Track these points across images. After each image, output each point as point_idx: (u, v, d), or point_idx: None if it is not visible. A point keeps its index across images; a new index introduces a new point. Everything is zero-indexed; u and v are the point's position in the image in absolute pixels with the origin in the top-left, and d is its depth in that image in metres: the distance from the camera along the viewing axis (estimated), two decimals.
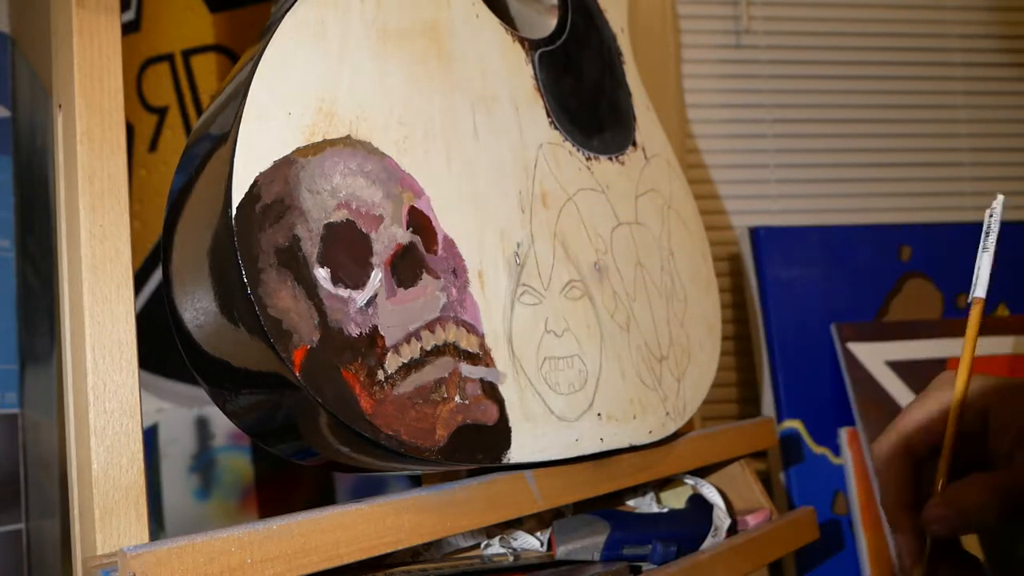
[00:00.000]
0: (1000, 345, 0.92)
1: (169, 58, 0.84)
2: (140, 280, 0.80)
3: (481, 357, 0.44)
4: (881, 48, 1.10)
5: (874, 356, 0.89)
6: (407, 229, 0.42)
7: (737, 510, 0.65)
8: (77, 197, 0.39)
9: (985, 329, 0.91)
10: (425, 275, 0.42)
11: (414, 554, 0.51)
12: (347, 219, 0.39)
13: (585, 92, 0.58)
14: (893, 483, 0.42)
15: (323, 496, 0.85)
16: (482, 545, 0.53)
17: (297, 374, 0.36)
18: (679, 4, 1.04)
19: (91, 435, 0.37)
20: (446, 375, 0.42)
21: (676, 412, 0.57)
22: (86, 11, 0.39)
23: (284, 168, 0.37)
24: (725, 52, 1.06)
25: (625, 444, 0.52)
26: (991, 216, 0.39)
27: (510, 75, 0.51)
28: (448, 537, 0.50)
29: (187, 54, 0.84)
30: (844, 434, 0.88)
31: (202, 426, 0.81)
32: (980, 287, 0.39)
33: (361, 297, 0.39)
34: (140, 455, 0.38)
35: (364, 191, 0.40)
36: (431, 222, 0.43)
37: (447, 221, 0.44)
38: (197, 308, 0.39)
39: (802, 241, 0.94)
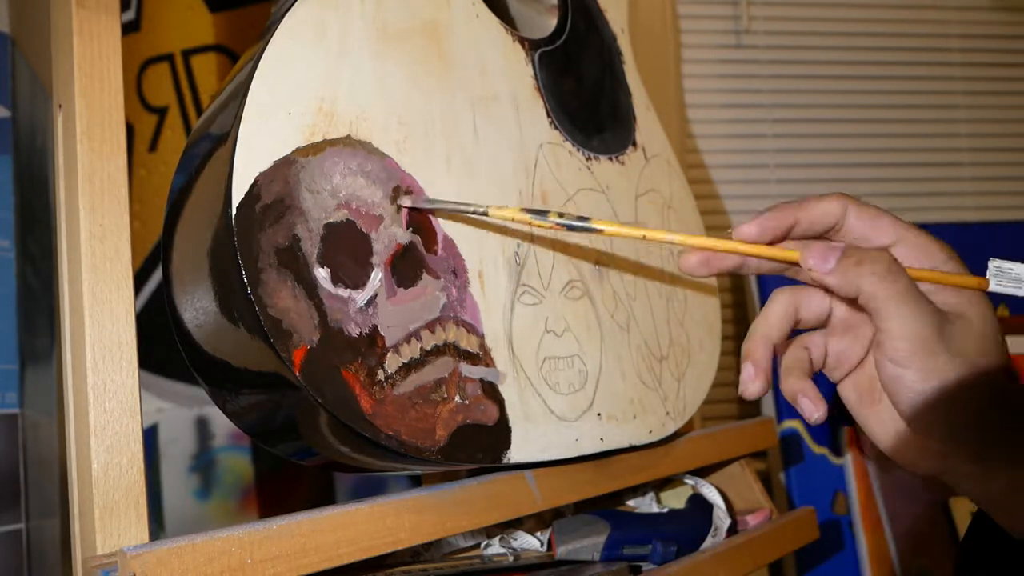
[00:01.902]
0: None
1: (169, 58, 0.84)
2: (140, 280, 0.80)
3: (481, 357, 0.44)
4: (881, 48, 1.10)
5: None
6: (407, 229, 0.42)
7: (737, 510, 0.65)
8: (77, 197, 0.39)
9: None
10: (425, 275, 0.42)
11: (414, 554, 0.51)
12: (347, 219, 0.39)
13: (585, 92, 0.57)
14: (772, 314, 0.39)
15: (323, 496, 0.85)
16: (482, 545, 0.53)
17: (297, 374, 0.36)
18: (679, 4, 1.04)
19: (91, 435, 0.37)
20: (446, 375, 0.42)
21: (676, 412, 0.57)
22: (86, 11, 0.39)
23: (284, 168, 0.37)
24: (725, 52, 1.06)
25: (625, 444, 0.52)
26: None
27: (510, 75, 0.51)
28: (448, 537, 0.50)
29: (187, 54, 0.84)
30: (844, 434, 0.88)
31: (202, 426, 0.81)
32: None
33: (361, 297, 0.39)
34: (140, 455, 0.38)
35: (364, 191, 0.40)
36: (431, 222, 0.43)
37: (447, 221, 0.44)
38: (197, 308, 0.39)
39: None
